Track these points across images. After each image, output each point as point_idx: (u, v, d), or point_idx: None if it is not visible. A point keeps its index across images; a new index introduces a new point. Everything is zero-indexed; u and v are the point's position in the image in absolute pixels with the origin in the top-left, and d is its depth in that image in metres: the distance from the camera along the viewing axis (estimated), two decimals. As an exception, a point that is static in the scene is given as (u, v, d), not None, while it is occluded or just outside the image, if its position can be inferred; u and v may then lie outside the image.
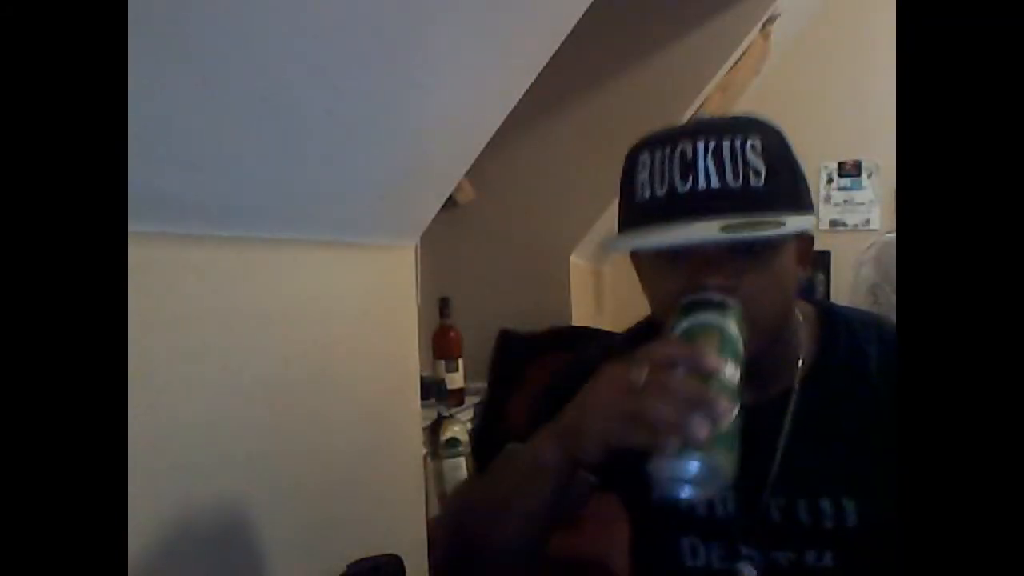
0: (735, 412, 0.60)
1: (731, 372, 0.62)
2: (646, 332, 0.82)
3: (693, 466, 0.58)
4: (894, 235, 2.59)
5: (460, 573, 0.83)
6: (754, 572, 0.77)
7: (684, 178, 0.69)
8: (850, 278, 2.64)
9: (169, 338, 0.85)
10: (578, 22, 1.21)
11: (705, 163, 0.68)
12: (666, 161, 0.70)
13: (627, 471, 0.83)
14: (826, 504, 0.76)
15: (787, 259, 0.73)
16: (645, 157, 0.72)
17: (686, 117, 2.07)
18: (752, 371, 0.77)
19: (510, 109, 1.28)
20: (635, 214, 0.73)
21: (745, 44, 2.10)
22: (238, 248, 0.96)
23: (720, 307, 0.66)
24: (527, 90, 1.26)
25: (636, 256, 0.79)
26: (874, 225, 3.01)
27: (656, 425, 0.59)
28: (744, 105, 2.67)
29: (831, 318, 0.82)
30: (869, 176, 3.03)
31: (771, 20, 2.13)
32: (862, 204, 3.05)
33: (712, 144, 0.68)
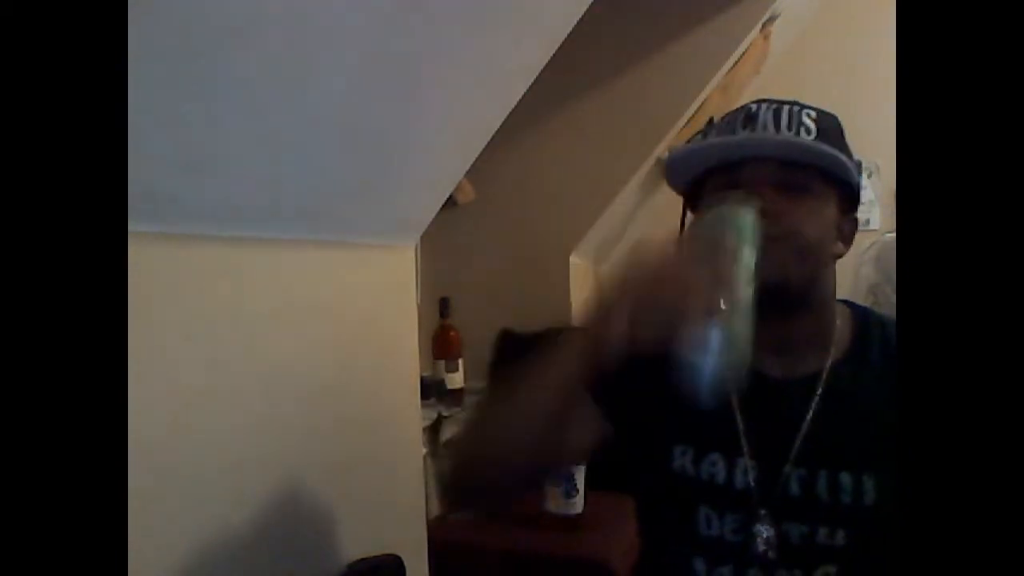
0: (751, 290, 0.66)
1: (748, 255, 0.67)
2: None
3: (715, 334, 0.63)
4: (894, 235, 2.59)
5: (475, 467, 0.82)
6: (772, 532, 0.78)
7: (744, 127, 0.80)
8: (850, 278, 2.63)
9: (168, 338, 0.85)
10: (578, 22, 1.21)
11: (764, 117, 0.79)
12: (731, 117, 0.82)
13: (644, 437, 0.84)
14: (846, 479, 0.77)
15: (827, 214, 0.79)
16: (718, 122, 0.84)
17: (686, 117, 2.06)
18: (785, 346, 0.82)
19: (510, 109, 1.28)
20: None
21: (745, 44, 2.09)
22: (238, 248, 0.96)
23: (740, 202, 0.72)
24: (527, 90, 1.26)
25: (691, 204, 0.86)
26: (874, 225, 3.00)
27: (682, 298, 0.63)
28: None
29: (867, 317, 0.87)
30: (869, 176, 3.02)
31: (771, 20, 2.13)
32: (862, 204, 3.05)
33: (773, 107, 0.80)
